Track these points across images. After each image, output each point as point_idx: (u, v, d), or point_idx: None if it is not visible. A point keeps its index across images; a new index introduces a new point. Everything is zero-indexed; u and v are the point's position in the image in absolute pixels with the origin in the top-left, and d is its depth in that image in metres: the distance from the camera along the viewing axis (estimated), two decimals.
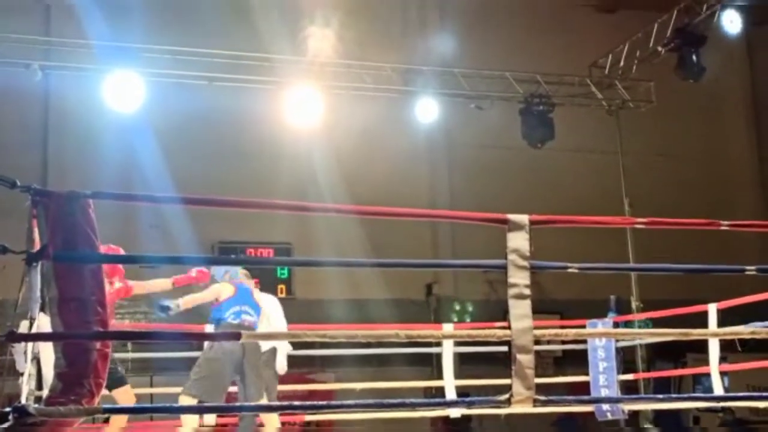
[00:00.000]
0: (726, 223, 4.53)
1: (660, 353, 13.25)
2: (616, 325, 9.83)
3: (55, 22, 13.21)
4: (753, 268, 4.53)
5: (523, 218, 3.89)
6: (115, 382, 6.45)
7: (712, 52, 12.28)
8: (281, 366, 7.80)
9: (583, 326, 9.00)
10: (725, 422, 11.02)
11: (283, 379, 8.50)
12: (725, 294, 8.28)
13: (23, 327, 3.72)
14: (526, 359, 3.76)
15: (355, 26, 13.37)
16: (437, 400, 9.09)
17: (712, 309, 8.19)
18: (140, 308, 12.48)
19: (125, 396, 6.60)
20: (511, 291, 3.84)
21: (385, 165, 14.15)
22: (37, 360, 3.58)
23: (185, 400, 6.71)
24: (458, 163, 15.46)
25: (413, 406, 4.02)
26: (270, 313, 7.72)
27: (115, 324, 7.64)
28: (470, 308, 14.80)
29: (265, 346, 7.58)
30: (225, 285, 7.25)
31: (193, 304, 7.01)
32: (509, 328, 3.80)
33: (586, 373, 9.31)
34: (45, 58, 11.22)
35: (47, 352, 3.70)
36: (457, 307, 14.84)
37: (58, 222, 3.44)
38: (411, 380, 10.51)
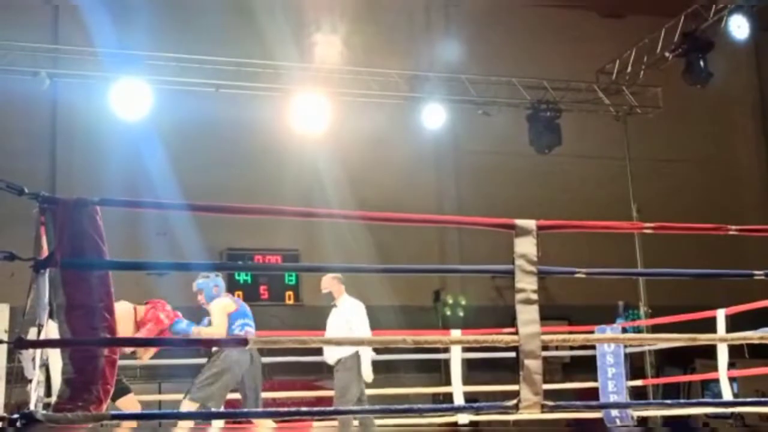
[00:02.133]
0: (734, 228, 4.52)
1: (669, 359, 13.22)
2: (624, 330, 9.81)
3: (63, 30, 13.24)
4: (761, 272, 4.51)
5: (531, 223, 3.89)
6: (119, 392, 6.44)
7: (720, 57, 12.27)
8: (367, 374, 7.57)
9: (592, 332, 8.98)
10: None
11: (291, 386, 8.49)
12: (735, 299, 8.24)
13: (31, 334, 3.73)
14: (533, 365, 3.76)
15: (361, 33, 13.41)
16: (445, 405, 9.05)
17: (721, 314, 8.16)
18: None
19: (130, 405, 6.61)
20: (519, 296, 3.83)
21: (392, 171, 14.15)
22: (46, 367, 3.58)
23: (190, 407, 6.70)
24: (465, 169, 15.45)
25: (421, 412, 4.00)
26: (351, 318, 7.57)
27: None
28: (463, 301, 14.77)
29: (346, 352, 7.45)
30: (225, 300, 7.13)
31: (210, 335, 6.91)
32: (517, 333, 3.80)
33: (595, 379, 9.28)
34: (53, 66, 11.26)
35: (56, 358, 3.70)
36: (450, 300, 14.79)
37: (66, 229, 3.44)
38: (419, 386, 10.49)
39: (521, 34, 15.44)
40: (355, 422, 7.41)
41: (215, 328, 6.91)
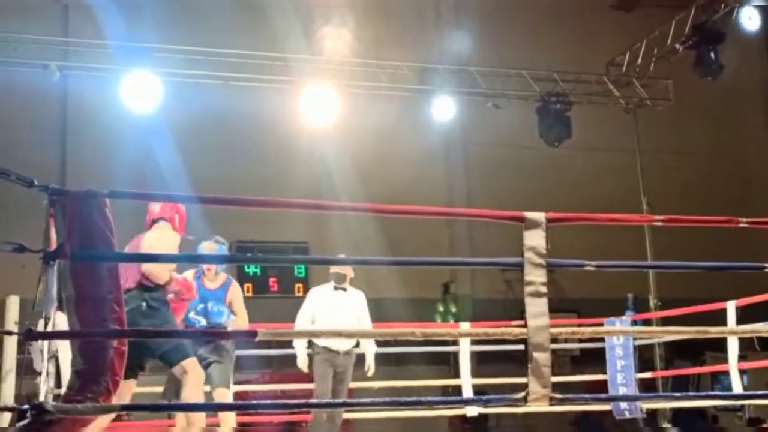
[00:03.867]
0: (745, 220, 4.50)
1: (678, 352, 13.17)
2: (634, 323, 9.80)
3: (73, 23, 13.29)
4: None
5: (540, 216, 3.88)
6: None
7: (731, 49, 12.20)
8: (368, 366, 7.56)
9: (601, 324, 8.97)
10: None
11: (301, 378, 8.49)
12: (745, 292, 8.22)
13: (41, 326, 3.74)
14: (542, 357, 3.75)
15: (370, 25, 13.40)
16: (454, 398, 9.06)
17: (731, 307, 8.14)
18: None
19: None
20: (528, 289, 3.82)
21: (401, 164, 14.14)
22: (55, 358, 3.59)
23: (226, 395, 6.65)
24: (475, 161, 15.44)
25: (430, 405, 4.01)
26: (359, 312, 7.48)
27: None
28: (472, 294, 14.75)
29: (347, 345, 7.39)
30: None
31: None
32: (526, 326, 3.79)
33: (604, 372, 9.28)
34: (63, 59, 11.27)
35: (65, 350, 3.71)
36: (459, 293, 14.77)
37: (75, 221, 3.45)
38: (428, 379, 10.49)
39: (531, 27, 15.40)
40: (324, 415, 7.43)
41: (244, 316, 6.70)
